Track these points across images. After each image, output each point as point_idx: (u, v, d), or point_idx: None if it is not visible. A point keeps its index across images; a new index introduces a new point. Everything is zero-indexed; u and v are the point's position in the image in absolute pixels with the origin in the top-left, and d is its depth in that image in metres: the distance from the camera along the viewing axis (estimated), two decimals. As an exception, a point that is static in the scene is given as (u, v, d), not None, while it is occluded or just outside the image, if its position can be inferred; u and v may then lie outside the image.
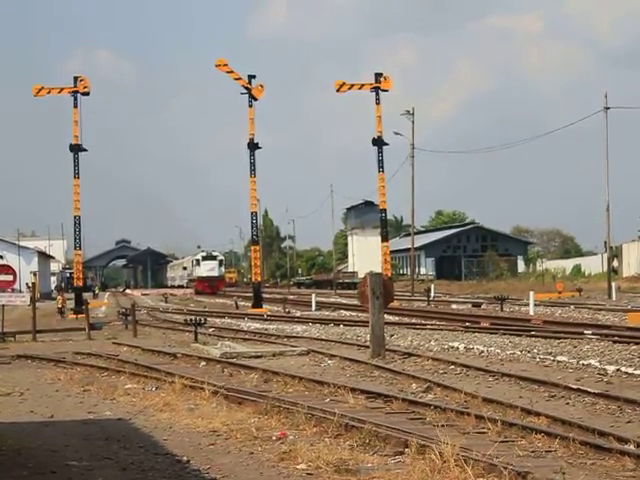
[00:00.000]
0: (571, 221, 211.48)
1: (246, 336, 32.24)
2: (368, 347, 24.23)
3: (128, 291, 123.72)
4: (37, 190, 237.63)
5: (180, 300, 78.30)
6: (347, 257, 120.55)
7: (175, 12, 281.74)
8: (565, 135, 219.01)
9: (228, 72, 54.75)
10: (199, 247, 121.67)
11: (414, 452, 11.00)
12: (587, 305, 44.76)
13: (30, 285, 58.22)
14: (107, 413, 15.78)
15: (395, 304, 43.90)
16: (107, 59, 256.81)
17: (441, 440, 10.64)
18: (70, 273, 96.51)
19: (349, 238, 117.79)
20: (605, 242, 65.02)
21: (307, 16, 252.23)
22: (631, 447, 11.12)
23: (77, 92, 53.68)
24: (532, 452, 11.38)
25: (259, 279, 58.35)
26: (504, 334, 27.55)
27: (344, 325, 35.92)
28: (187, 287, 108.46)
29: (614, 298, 51.74)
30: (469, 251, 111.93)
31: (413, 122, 71.74)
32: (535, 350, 23.33)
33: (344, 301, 59.29)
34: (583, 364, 20.37)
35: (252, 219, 57.86)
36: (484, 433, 12.54)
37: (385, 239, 57.20)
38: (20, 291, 62.56)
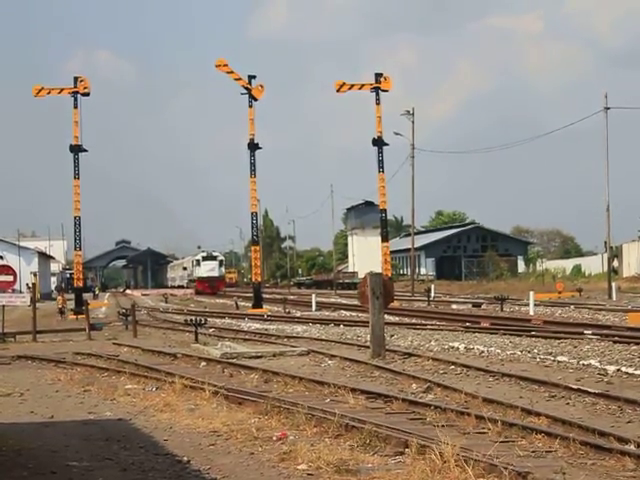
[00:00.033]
0: (571, 221, 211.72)
1: (246, 336, 32.25)
2: (368, 347, 24.23)
3: (128, 291, 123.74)
4: (37, 191, 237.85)
5: (180, 300, 78.32)
6: (347, 257, 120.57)
7: (175, 12, 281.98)
8: (565, 135, 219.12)
9: (228, 72, 54.77)
10: (199, 247, 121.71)
11: (414, 452, 11.00)
12: (587, 305, 44.76)
13: (30, 285, 58.26)
14: (107, 413, 15.78)
15: (395, 304, 43.92)
16: (107, 59, 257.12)
17: (441, 440, 10.64)
18: (70, 274, 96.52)
19: (349, 238, 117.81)
20: (605, 242, 65.04)
21: (307, 16, 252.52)
22: (631, 447, 11.12)
23: (77, 92, 53.68)
24: (532, 452, 11.38)
25: (259, 279, 58.36)
26: (504, 334, 27.56)
27: (344, 325, 35.92)
28: (187, 287, 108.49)
29: (614, 298, 51.75)
30: (469, 251, 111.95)
31: (413, 122, 71.81)
32: (535, 350, 23.33)
33: (344, 301, 59.30)
34: (583, 364, 20.37)
35: (252, 219, 57.90)
36: (484, 433, 12.54)
37: (385, 239, 57.22)
38: (20, 291, 62.56)
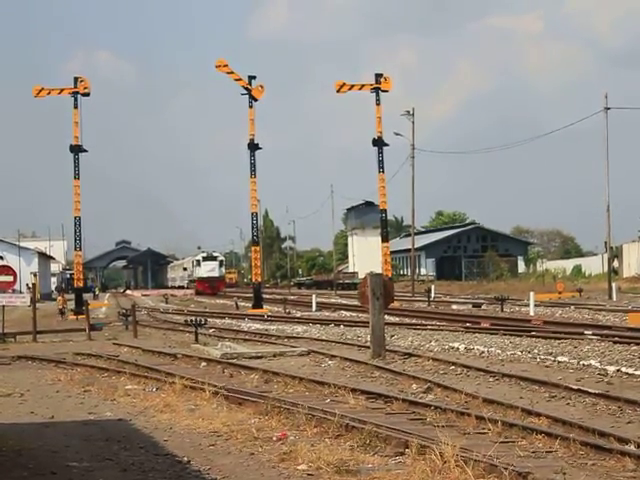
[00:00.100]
0: (571, 221, 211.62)
1: (246, 337, 32.25)
2: (368, 347, 24.23)
3: (128, 292, 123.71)
4: (37, 191, 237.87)
5: (180, 301, 78.31)
6: (347, 258, 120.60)
7: (175, 12, 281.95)
8: (565, 135, 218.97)
9: (228, 73, 54.79)
10: (199, 248, 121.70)
11: (414, 453, 11.00)
12: (587, 305, 44.76)
13: (30, 286, 58.26)
14: (108, 414, 15.78)
15: (395, 305, 43.94)
16: (107, 60, 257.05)
17: (441, 441, 10.64)
18: (70, 274, 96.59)
19: (349, 239, 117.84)
20: (605, 242, 65.04)
21: (307, 16, 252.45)
22: (631, 447, 11.12)
23: (77, 93, 53.69)
24: (533, 453, 11.38)
25: (259, 280, 58.37)
26: (504, 334, 27.56)
27: (344, 325, 35.92)
28: (187, 288, 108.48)
29: (614, 298, 51.75)
30: (469, 251, 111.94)
31: (413, 122, 71.81)
32: (535, 350, 23.33)
33: (344, 302, 59.30)
34: (583, 364, 20.37)
35: (252, 220, 57.91)
36: (484, 434, 12.54)
37: (385, 239, 57.24)
38: (20, 292, 62.56)
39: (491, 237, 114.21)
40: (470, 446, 11.05)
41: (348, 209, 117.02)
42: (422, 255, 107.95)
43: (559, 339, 25.29)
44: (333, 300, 64.39)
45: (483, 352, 23.95)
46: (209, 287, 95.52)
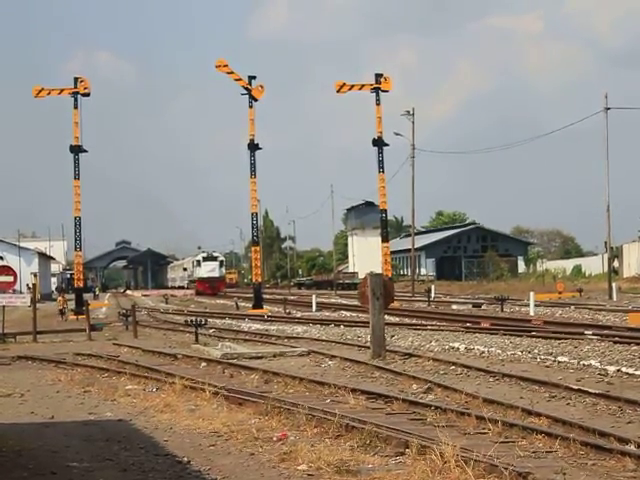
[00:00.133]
0: (571, 221, 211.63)
1: (247, 337, 32.26)
2: (369, 348, 24.23)
3: (128, 292, 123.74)
4: (38, 191, 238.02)
5: (180, 301, 78.31)
6: (347, 258, 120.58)
7: (175, 13, 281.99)
8: (565, 135, 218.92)
9: (228, 73, 54.80)
10: (199, 248, 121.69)
11: (415, 453, 11.00)
12: (588, 305, 44.75)
13: (30, 286, 58.26)
14: (108, 414, 15.78)
15: (395, 305, 43.94)
16: (107, 60, 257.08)
17: (442, 441, 10.64)
18: (70, 274, 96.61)
19: (349, 239, 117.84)
20: (605, 242, 65.05)
21: (307, 17, 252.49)
22: (632, 447, 11.12)
23: (77, 93, 53.71)
24: (533, 453, 11.38)
25: (259, 280, 58.38)
26: (505, 334, 27.55)
27: (344, 326, 35.91)
28: (188, 288, 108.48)
29: (614, 298, 51.74)
30: (469, 251, 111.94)
31: (413, 122, 71.86)
32: (536, 350, 23.33)
33: (344, 302, 59.30)
34: (584, 364, 20.37)
35: (252, 220, 57.93)
36: (485, 434, 12.54)
37: (385, 240, 57.26)
38: (20, 292, 62.57)
39: (491, 237, 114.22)
40: (470, 446, 11.04)
41: (348, 209, 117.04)
42: (422, 255, 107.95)
43: (559, 339, 25.28)
44: (333, 300, 64.39)
45: (483, 352, 23.95)
46: (209, 287, 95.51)
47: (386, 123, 57.21)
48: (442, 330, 30.94)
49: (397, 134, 70.54)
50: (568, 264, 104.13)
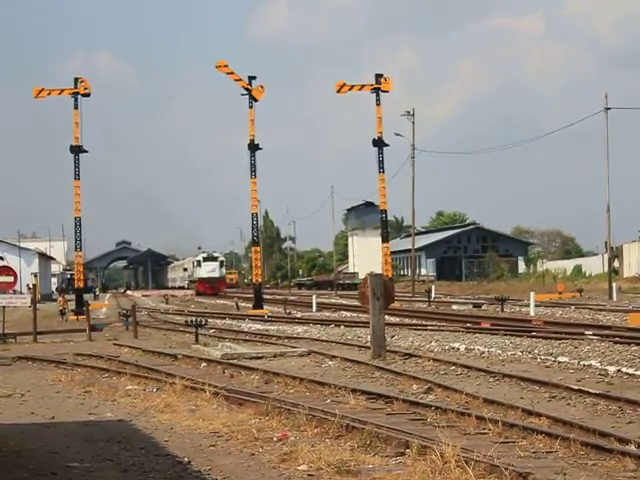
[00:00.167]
0: (572, 222, 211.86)
1: (247, 337, 32.26)
2: (369, 348, 24.23)
3: (129, 292, 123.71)
4: (38, 191, 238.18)
5: (181, 301, 78.29)
6: (348, 258, 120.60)
7: (175, 13, 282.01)
8: (566, 136, 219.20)
9: (228, 73, 54.78)
10: (200, 248, 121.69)
11: (415, 453, 11.00)
12: (588, 306, 44.74)
13: (31, 286, 58.25)
14: (108, 414, 15.78)
15: (396, 305, 43.95)
16: (107, 60, 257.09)
17: (442, 441, 10.64)
18: (71, 274, 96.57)
19: (350, 239, 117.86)
20: (606, 243, 65.06)
21: (308, 17, 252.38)
22: (632, 448, 11.12)
23: (77, 93, 53.69)
24: (533, 453, 11.39)
25: (260, 280, 58.37)
26: (505, 335, 27.55)
27: (345, 326, 35.91)
28: (188, 288, 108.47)
29: (615, 299, 51.74)
30: (470, 252, 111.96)
31: (413, 123, 71.87)
32: (536, 351, 23.33)
33: (345, 302, 59.30)
34: (584, 365, 20.37)
35: (253, 220, 57.92)
36: (485, 434, 12.54)
37: (386, 240, 57.27)
38: (21, 292, 62.57)
39: (491, 237, 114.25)
40: (471, 446, 11.05)
41: (348, 209, 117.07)
42: (422, 255, 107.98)
43: (559, 339, 25.28)
44: (333, 300, 64.40)
45: (483, 352, 23.95)
46: (210, 287, 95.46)
47: (386, 123, 57.32)
48: (442, 330, 30.93)
49: (397, 134, 70.61)
50: (568, 264, 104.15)
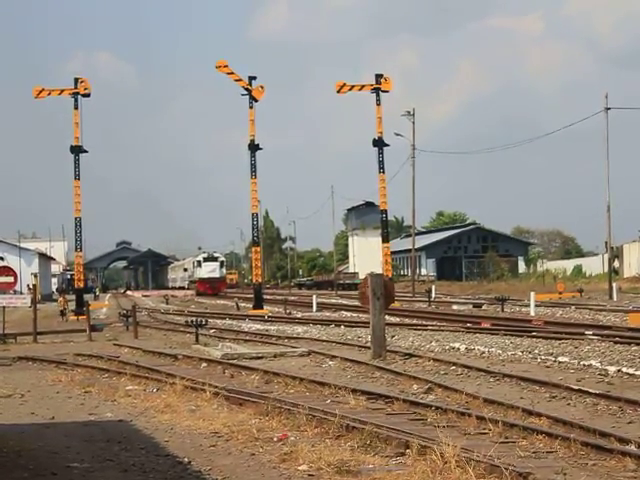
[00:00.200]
0: (572, 222, 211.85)
1: (247, 337, 32.25)
2: (369, 348, 24.22)
3: (129, 292, 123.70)
4: (38, 191, 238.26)
5: (181, 301, 78.28)
6: (348, 258, 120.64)
7: (175, 13, 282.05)
8: (566, 136, 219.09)
9: (228, 73, 54.77)
10: (200, 248, 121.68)
11: (415, 453, 11.00)
12: (588, 306, 44.74)
13: (31, 287, 58.25)
14: (108, 415, 15.78)
15: (396, 305, 43.94)
16: (107, 61, 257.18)
17: (442, 441, 10.64)
18: (71, 275, 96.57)
19: (350, 239, 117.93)
20: (606, 243, 65.05)
21: (308, 17, 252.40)
22: (632, 448, 11.12)
23: (77, 93, 53.67)
24: (533, 453, 11.39)
25: (260, 280, 58.36)
26: (505, 335, 27.55)
27: (345, 326, 35.91)
28: (188, 288, 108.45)
29: (615, 299, 51.74)
30: (470, 252, 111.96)
31: (414, 123, 71.88)
32: (536, 351, 23.32)
33: (345, 302, 59.29)
34: (584, 365, 20.37)
35: (253, 220, 57.91)
36: (485, 434, 12.54)
37: (386, 240, 57.26)
38: (21, 293, 62.57)
39: (491, 237, 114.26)
40: (471, 446, 11.04)
41: (348, 209, 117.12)
42: (422, 255, 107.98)
43: (560, 339, 25.28)
44: (333, 300, 64.39)
45: (484, 352, 23.95)
46: (210, 288, 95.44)
47: (386, 123, 57.30)
48: (442, 330, 30.93)
49: (397, 134, 70.61)
50: (568, 264, 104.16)
